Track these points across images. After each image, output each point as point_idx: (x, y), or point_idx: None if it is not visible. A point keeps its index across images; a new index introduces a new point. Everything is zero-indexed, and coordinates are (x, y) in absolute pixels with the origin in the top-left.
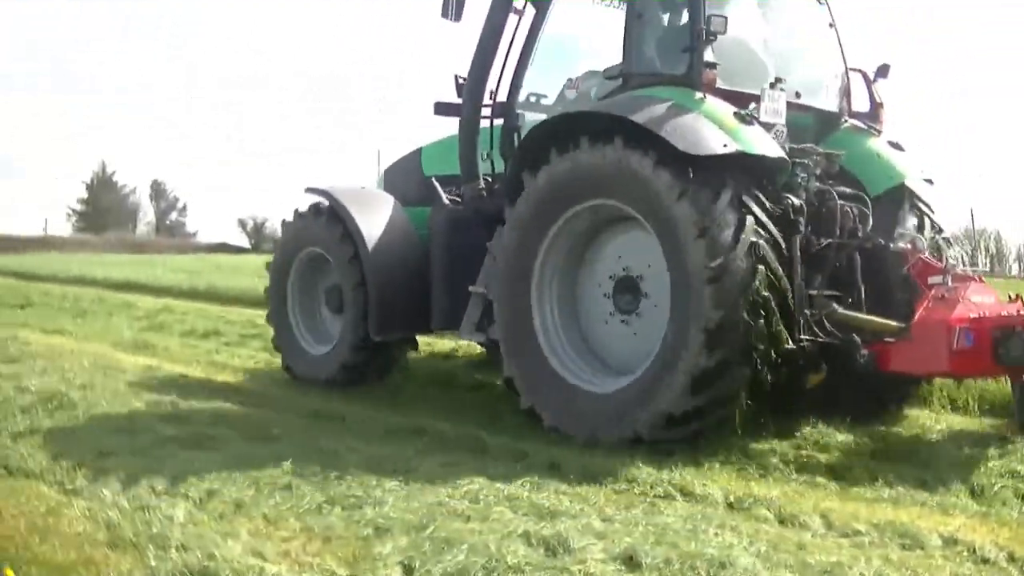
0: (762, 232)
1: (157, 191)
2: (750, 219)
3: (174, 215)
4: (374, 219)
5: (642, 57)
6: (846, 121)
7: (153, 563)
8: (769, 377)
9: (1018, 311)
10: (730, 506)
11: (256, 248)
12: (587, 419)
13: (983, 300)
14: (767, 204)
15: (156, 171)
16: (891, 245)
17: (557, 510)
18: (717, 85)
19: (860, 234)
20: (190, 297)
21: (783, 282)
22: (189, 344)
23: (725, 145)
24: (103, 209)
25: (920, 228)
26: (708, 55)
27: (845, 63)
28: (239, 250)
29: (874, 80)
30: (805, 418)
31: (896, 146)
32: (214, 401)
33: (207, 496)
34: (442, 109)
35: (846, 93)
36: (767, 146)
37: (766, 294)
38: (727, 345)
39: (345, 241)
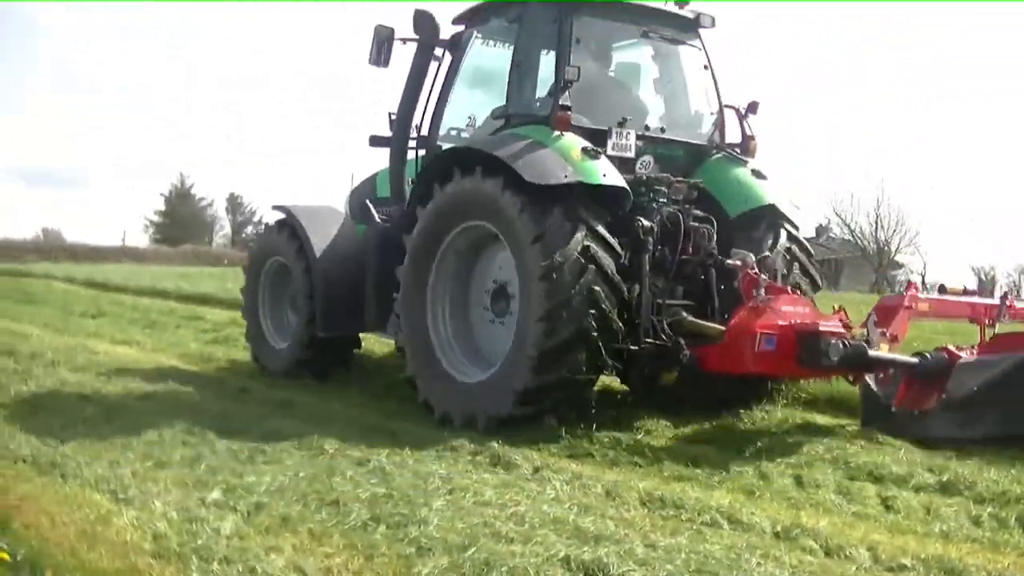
0: (598, 240)
1: (233, 204)
2: (583, 227)
3: (250, 228)
4: (324, 234)
5: (520, 100)
6: (717, 152)
7: (195, 575)
8: (616, 371)
9: (814, 320)
10: (776, 535)
11: None
12: (465, 405)
13: (794, 310)
14: (608, 222)
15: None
16: (726, 262)
17: (601, 535)
18: (579, 124)
19: (709, 252)
20: None
21: (626, 289)
22: None
23: (566, 176)
24: (180, 221)
25: (774, 245)
26: (565, 99)
27: (720, 101)
28: None
29: (745, 115)
30: (857, 443)
31: (758, 174)
32: (271, 415)
33: (255, 510)
34: (375, 141)
35: (719, 127)
36: (608, 176)
37: (597, 289)
38: (564, 331)
39: (300, 252)
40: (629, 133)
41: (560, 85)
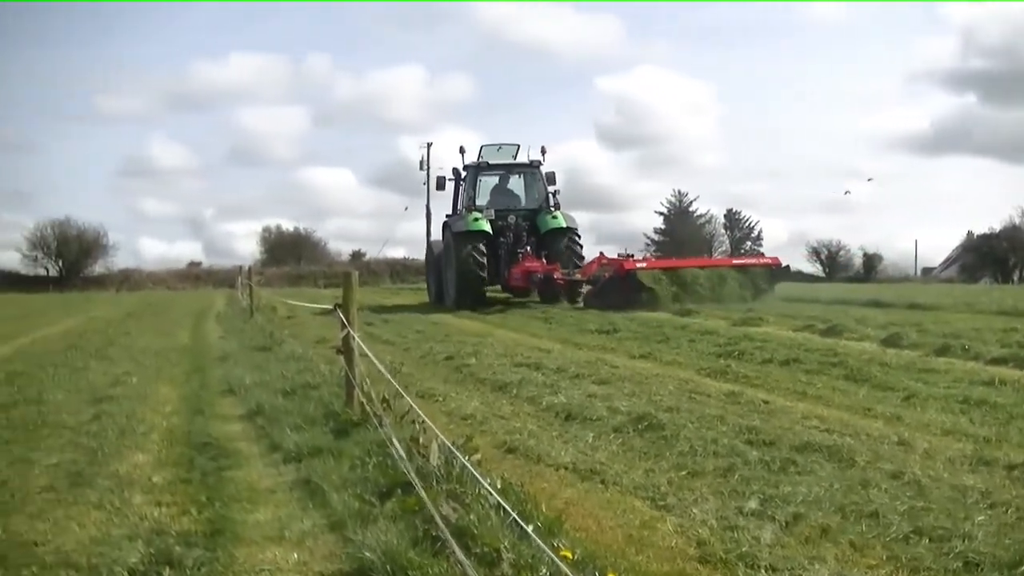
0: (476, 251)
1: (732, 220)
2: (469, 243)
3: (748, 244)
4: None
5: (467, 201)
6: (542, 209)
7: None
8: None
9: (532, 267)
10: None
11: (831, 276)
12: (449, 303)
13: (530, 265)
14: (482, 241)
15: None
16: (520, 252)
17: None
18: (480, 209)
19: (527, 249)
20: (776, 325)
21: (494, 263)
22: (767, 371)
23: (465, 227)
24: (680, 238)
25: (567, 248)
26: (470, 202)
27: (546, 190)
28: (813, 278)
29: (555, 195)
30: None
31: (555, 216)
32: (796, 428)
33: (793, 519)
34: (446, 217)
35: (545, 200)
36: (481, 227)
37: (472, 263)
38: (463, 280)
39: (435, 257)
40: (491, 210)
41: (470, 195)
